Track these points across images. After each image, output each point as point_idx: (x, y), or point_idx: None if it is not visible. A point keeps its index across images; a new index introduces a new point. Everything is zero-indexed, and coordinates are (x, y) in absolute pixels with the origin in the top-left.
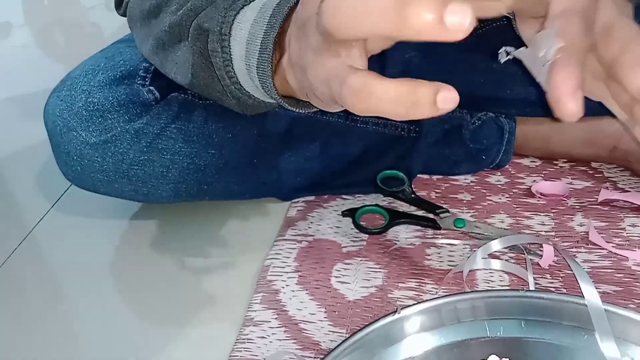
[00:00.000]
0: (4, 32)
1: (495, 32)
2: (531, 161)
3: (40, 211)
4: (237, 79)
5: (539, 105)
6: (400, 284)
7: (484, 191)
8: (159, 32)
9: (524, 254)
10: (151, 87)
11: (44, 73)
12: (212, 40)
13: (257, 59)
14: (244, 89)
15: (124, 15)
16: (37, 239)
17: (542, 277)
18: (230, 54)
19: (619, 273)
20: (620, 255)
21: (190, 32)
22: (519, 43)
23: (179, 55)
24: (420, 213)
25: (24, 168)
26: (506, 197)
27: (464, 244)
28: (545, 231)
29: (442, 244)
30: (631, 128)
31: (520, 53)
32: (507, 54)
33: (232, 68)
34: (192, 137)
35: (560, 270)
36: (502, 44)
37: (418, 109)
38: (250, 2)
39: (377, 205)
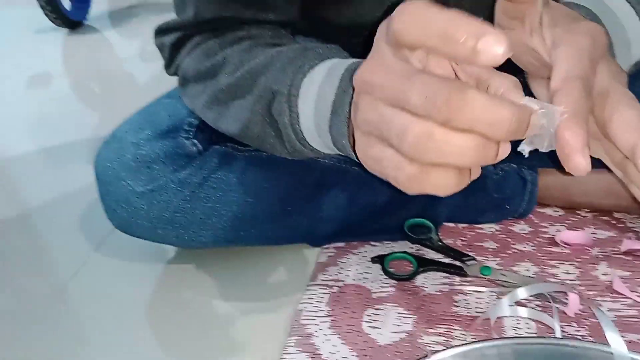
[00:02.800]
0: (44, 82)
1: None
2: (554, 211)
3: (83, 254)
4: (303, 135)
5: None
6: (430, 330)
7: (509, 240)
8: (215, 91)
9: (550, 302)
10: (195, 140)
11: (80, 121)
12: (279, 101)
13: (330, 119)
14: (309, 144)
15: (174, 74)
16: (80, 281)
17: (568, 325)
18: (298, 113)
19: None
20: None
21: (256, 93)
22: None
23: (232, 111)
24: (448, 260)
25: (66, 213)
26: (531, 246)
27: (490, 291)
28: (570, 280)
29: (469, 290)
30: (627, 184)
31: (531, 143)
32: (528, 145)
33: (299, 125)
34: (232, 187)
35: (586, 319)
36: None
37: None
38: (315, 66)
39: (405, 252)
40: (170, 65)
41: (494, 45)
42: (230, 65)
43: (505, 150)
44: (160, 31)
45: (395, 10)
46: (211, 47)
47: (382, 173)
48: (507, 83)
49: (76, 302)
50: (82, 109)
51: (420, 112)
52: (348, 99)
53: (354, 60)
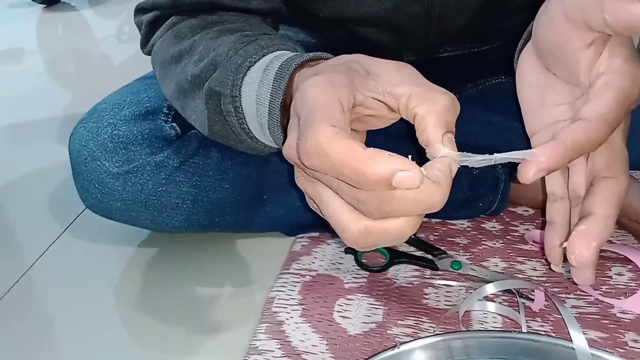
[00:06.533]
0: (17, 58)
1: (494, 87)
2: (524, 210)
3: (52, 234)
4: (253, 134)
5: None
6: (399, 321)
7: (480, 236)
8: (180, 80)
9: (516, 297)
10: (173, 124)
11: (52, 100)
12: (224, 102)
13: (268, 121)
14: (260, 141)
15: (148, 54)
16: (48, 261)
17: (533, 320)
18: (243, 113)
19: (605, 319)
20: (606, 302)
21: (204, 93)
22: (515, 99)
23: (198, 104)
24: (420, 254)
25: (35, 193)
26: (500, 243)
27: (460, 285)
28: (536, 277)
29: (439, 284)
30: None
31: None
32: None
33: (247, 125)
34: (209, 172)
35: (550, 315)
36: (500, 98)
37: None
38: (255, 62)
39: None
40: (145, 44)
41: (409, 182)
42: (195, 54)
43: None
44: (140, 9)
45: (300, 139)
46: (183, 29)
47: None
48: (432, 118)
49: (43, 284)
50: (54, 87)
51: (354, 206)
52: (279, 101)
53: (291, 55)
